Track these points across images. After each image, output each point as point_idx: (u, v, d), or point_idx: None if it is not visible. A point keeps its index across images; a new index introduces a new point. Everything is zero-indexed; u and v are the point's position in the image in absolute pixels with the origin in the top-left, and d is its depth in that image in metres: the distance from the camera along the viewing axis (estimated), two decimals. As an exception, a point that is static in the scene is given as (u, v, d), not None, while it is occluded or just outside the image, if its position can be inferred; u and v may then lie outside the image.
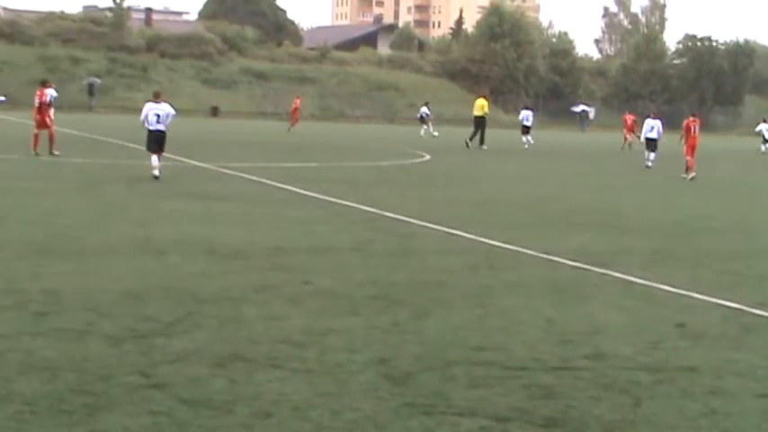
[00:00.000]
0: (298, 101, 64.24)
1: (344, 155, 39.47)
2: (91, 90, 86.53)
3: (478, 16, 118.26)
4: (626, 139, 56.92)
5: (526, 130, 55.26)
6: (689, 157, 34.65)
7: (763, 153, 58.27)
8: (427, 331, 10.05)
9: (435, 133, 59.88)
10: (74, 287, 11.58)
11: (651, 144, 38.97)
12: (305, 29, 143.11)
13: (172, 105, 26.92)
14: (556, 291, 12.60)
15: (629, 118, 58.64)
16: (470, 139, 48.86)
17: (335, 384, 8.07)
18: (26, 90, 62.86)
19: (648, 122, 39.47)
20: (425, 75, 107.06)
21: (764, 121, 61.94)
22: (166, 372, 8.23)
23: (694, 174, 33.75)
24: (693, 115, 37.81)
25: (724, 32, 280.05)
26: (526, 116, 55.68)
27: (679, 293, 12.71)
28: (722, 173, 39.10)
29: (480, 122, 49.40)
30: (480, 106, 50.26)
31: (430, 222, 18.68)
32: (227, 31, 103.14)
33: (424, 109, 62.81)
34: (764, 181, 35.68)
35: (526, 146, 52.64)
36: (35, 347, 8.81)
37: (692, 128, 35.50)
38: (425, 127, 61.73)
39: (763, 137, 60.33)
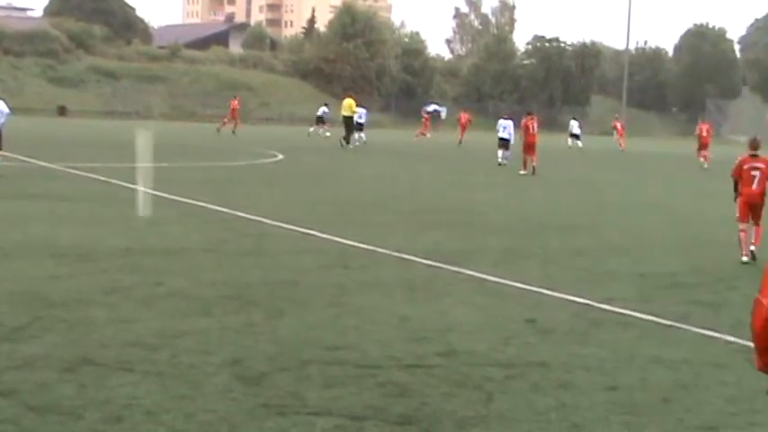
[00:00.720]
0: (235, 102, 62.66)
1: (196, 155, 39.06)
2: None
3: (331, 16, 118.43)
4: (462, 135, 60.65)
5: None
6: (525, 155, 36.43)
7: (570, 147, 60.75)
8: (281, 331, 10.01)
9: (327, 134, 58.88)
10: None
11: (504, 143, 39.93)
12: (155, 27, 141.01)
13: (7, 103, 26.27)
14: (409, 289, 12.69)
15: (464, 116, 63.09)
16: (345, 139, 49.27)
17: (188, 387, 7.97)
18: None
19: (501, 122, 40.54)
20: (278, 74, 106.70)
21: (574, 119, 66.93)
22: (13, 378, 8.00)
23: (533, 169, 35.53)
24: (529, 114, 39.55)
25: (571, 34, 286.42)
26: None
27: (530, 290, 12.93)
28: (570, 171, 39.94)
29: (350, 122, 49.81)
30: (348, 106, 50.57)
31: (284, 222, 18.62)
32: (74, 29, 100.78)
33: (324, 109, 62.37)
34: (610, 179, 36.57)
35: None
36: None
37: (530, 126, 36.78)
38: (321, 128, 60.10)
39: (571, 132, 63.05)
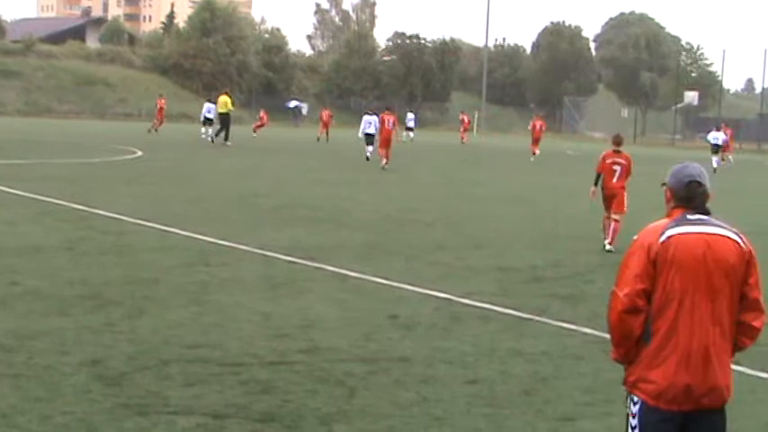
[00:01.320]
0: (162, 101, 60.65)
1: (53, 152, 38.19)
2: None
3: (190, 11, 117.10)
4: (322, 132, 60.67)
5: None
6: (381, 149, 37.54)
7: (404, 141, 61.97)
8: (141, 330, 9.87)
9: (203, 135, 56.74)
10: None
11: (369, 138, 40.80)
12: (8, 20, 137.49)
13: None
14: (271, 286, 12.65)
15: (326, 113, 63.24)
16: (216, 136, 49.10)
17: (45, 388, 7.80)
18: None
19: (366, 119, 41.01)
20: (136, 69, 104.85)
21: (411, 112, 71.26)
22: None
23: (386, 162, 36.48)
24: (388, 109, 40.90)
25: (431, 31, 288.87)
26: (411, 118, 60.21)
27: (392, 285, 13.02)
28: (432, 167, 40.29)
29: (225, 119, 49.64)
30: (224, 103, 50.41)
31: (144, 220, 18.36)
32: None
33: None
34: (470, 174, 36.96)
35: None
36: None
37: (386, 121, 37.60)
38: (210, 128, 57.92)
39: (406, 126, 64.73)
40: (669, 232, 4.87)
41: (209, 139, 49.15)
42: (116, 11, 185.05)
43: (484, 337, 10.29)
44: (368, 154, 40.20)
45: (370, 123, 40.61)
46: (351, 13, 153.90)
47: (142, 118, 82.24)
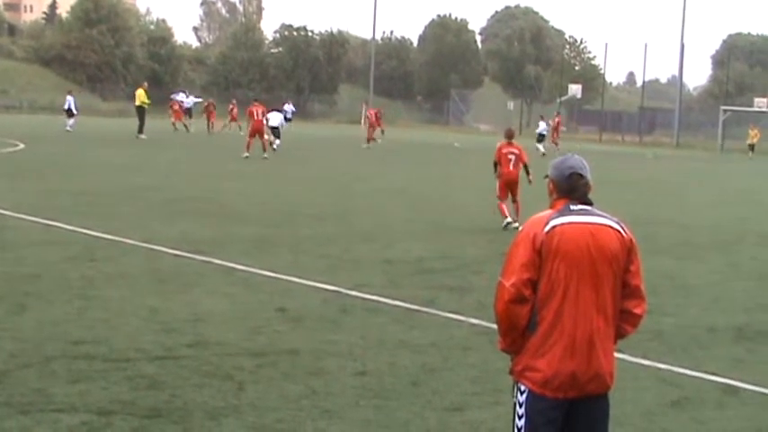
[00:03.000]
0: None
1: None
2: None
3: (73, 1, 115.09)
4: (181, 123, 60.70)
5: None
6: (251, 139, 38.23)
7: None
8: (24, 327, 9.68)
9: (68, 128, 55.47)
10: None
11: (275, 131, 42.58)
12: None
13: None
14: (158, 280, 12.52)
15: (211, 105, 64.01)
16: (138, 130, 48.93)
17: (-77, 388, 7.60)
18: None
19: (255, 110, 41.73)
20: (18, 61, 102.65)
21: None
22: None
23: (248, 155, 37.07)
24: (256, 100, 42.16)
25: (319, 23, 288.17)
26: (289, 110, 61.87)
27: (280, 278, 12.99)
28: (320, 161, 40.26)
29: (141, 112, 49.44)
30: (139, 96, 50.15)
31: (25, 214, 18.01)
32: None
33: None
34: (357, 167, 37.03)
35: None
36: None
37: (254, 112, 38.36)
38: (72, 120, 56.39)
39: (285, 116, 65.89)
40: (553, 222, 4.93)
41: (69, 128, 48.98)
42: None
43: (372, 329, 10.33)
44: (275, 146, 41.45)
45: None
46: (237, 4, 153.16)
47: (24, 110, 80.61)
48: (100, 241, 15.50)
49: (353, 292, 12.26)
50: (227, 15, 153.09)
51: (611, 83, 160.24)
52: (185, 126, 59.43)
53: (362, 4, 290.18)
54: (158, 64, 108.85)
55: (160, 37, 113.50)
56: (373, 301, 11.86)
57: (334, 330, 10.22)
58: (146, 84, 53.45)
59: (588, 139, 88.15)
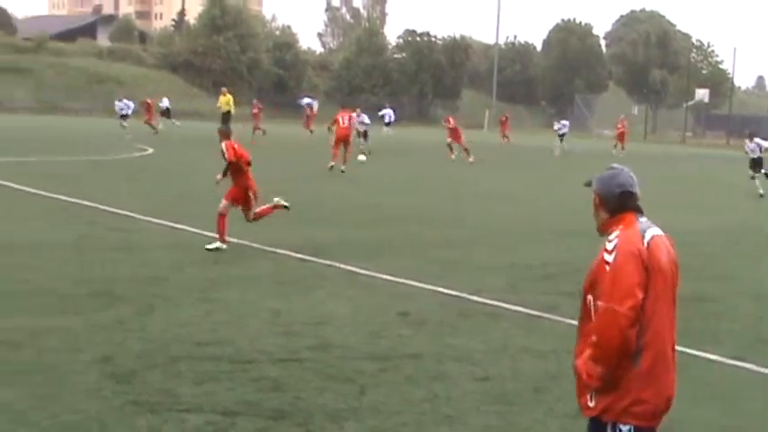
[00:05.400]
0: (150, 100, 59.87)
1: (63, 149, 38.24)
2: None
3: (201, 8, 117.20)
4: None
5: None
6: (335, 150, 34.40)
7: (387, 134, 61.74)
8: (151, 328, 9.89)
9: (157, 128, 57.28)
10: None
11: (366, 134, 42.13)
12: (19, 18, 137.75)
13: None
14: (280, 283, 12.66)
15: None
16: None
17: (55, 386, 7.82)
18: None
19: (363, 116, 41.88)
20: (148, 67, 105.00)
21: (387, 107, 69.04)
22: None
23: (335, 163, 33.75)
24: (344, 107, 42.77)
25: (442, 28, 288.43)
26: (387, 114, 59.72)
27: (400, 282, 13.01)
28: (430, 164, 40.22)
29: (226, 117, 50.42)
30: (225, 102, 51.25)
31: (153, 217, 18.39)
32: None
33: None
34: (469, 171, 36.89)
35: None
36: None
37: (340, 119, 37.12)
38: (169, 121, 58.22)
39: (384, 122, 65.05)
40: (647, 236, 4.61)
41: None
42: (127, 8, 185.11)
43: (493, 335, 10.29)
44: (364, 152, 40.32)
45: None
46: (361, 10, 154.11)
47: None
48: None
49: (474, 297, 12.24)
50: (351, 21, 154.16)
51: (739, 87, 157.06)
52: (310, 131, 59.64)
53: (486, 10, 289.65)
54: (283, 69, 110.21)
55: (285, 43, 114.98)
56: (494, 306, 11.82)
57: (454, 335, 10.21)
58: (224, 89, 53.86)
59: (715, 144, 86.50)
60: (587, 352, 4.58)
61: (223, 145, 16.02)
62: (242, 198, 15.94)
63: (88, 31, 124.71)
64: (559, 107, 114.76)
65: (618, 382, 4.49)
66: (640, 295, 4.45)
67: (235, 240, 15.92)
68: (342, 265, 14.09)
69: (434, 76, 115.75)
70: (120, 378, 8.11)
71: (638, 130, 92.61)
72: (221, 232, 15.25)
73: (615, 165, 5.02)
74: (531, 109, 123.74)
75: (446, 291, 12.56)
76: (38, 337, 9.25)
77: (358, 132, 41.54)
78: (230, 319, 10.42)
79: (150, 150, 39.16)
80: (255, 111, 55.90)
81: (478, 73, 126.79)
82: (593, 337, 4.52)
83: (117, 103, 54.28)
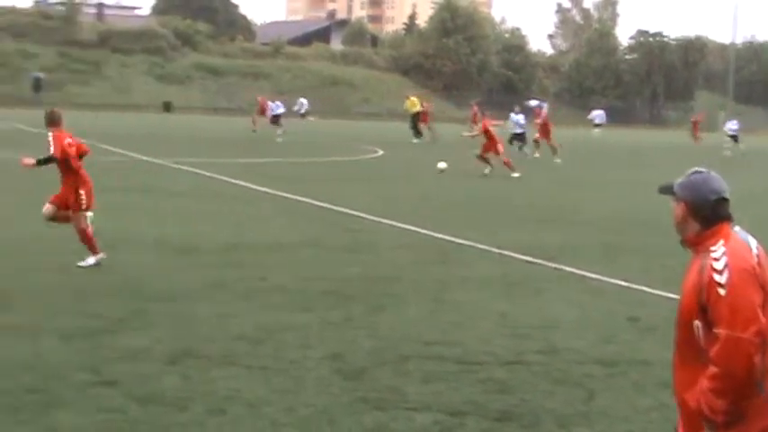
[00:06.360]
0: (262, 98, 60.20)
1: (298, 151, 39.30)
2: (37, 85, 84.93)
3: (431, 11, 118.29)
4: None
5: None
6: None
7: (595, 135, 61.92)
8: (380, 326, 10.05)
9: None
10: (21, 285, 11.51)
11: (520, 137, 40.00)
12: (258, 24, 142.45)
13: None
14: (508, 285, 12.64)
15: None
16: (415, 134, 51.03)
17: (290, 381, 8.05)
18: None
19: (513, 117, 40.27)
20: (379, 70, 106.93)
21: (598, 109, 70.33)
22: (117, 369, 8.18)
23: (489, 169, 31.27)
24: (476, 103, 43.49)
25: (675, 28, 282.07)
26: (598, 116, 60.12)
27: (631, 287, 12.78)
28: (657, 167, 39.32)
29: (413, 118, 51.51)
30: (411, 104, 52.64)
31: (383, 218, 18.66)
32: (180, 26, 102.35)
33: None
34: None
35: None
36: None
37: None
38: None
39: (594, 123, 64.96)
40: (754, 250, 4.24)
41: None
42: (359, 13, 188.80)
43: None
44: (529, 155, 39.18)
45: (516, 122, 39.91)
46: (592, 11, 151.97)
47: (384, 118, 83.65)
48: (451, 245, 15.83)
49: (708, 304, 11.89)
50: (582, 22, 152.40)
51: None
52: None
53: (722, 9, 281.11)
54: (512, 71, 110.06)
55: (515, 45, 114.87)
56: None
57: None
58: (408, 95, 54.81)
59: None
60: (705, 385, 4.21)
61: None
62: None
63: (322, 35, 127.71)
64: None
65: (744, 414, 4.13)
66: (765, 318, 4.08)
67: (460, 241, 16.00)
68: (569, 269, 13.95)
69: (666, 77, 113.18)
70: (349, 375, 8.28)
71: None
72: None
73: (700, 168, 4.61)
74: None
75: (677, 297, 12.24)
76: (275, 334, 9.54)
77: (511, 137, 39.58)
78: (459, 320, 10.48)
79: (380, 152, 39.77)
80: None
81: (714, 73, 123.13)
82: (715, 369, 4.14)
83: (270, 103, 54.45)
